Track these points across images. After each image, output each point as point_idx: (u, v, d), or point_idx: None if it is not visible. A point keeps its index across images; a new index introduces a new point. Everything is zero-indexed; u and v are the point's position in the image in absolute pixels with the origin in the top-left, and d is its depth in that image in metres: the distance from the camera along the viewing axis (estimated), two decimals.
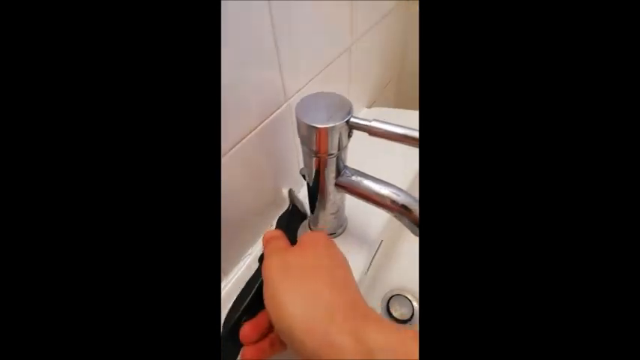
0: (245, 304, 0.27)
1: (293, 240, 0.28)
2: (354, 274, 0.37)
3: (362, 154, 0.39)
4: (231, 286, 0.37)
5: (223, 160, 0.29)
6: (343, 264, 0.25)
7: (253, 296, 0.27)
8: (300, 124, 0.28)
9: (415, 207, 0.31)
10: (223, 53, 0.25)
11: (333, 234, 0.41)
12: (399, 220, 0.32)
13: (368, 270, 0.42)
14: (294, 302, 0.20)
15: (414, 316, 0.47)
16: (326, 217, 0.38)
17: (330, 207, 0.36)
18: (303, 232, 0.34)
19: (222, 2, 0.23)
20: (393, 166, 0.43)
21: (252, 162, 0.34)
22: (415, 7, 0.55)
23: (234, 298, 0.27)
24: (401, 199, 0.31)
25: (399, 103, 0.75)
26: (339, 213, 0.38)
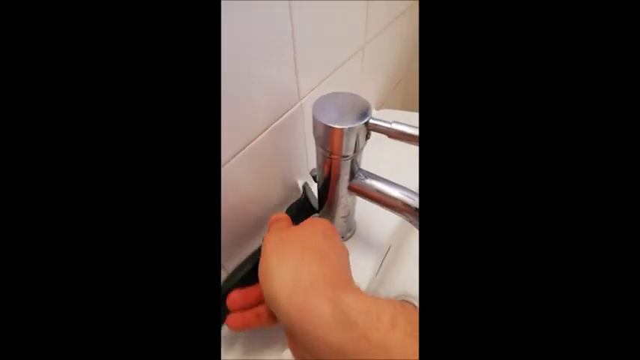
0: (242, 274, 0.28)
1: None
2: (363, 279, 0.37)
3: (376, 156, 0.38)
4: None
5: (234, 160, 0.28)
6: (338, 248, 0.25)
7: (251, 269, 0.27)
8: (316, 125, 0.27)
9: None
10: (242, 50, 0.24)
11: (341, 238, 0.40)
12: (413, 224, 0.31)
13: (377, 273, 0.41)
14: (281, 272, 0.21)
15: None
16: (336, 221, 0.37)
17: (341, 210, 0.35)
18: None
19: (247, 3, 0.22)
20: (407, 168, 0.42)
21: (263, 161, 0.33)
22: None
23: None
24: (415, 202, 0.31)
25: (407, 105, 0.74)
26: (349, 217, 0.37)
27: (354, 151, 0.29)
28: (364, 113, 0.27)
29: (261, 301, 0.27)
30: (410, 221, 0.32)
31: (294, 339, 0.22)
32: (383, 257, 0.42)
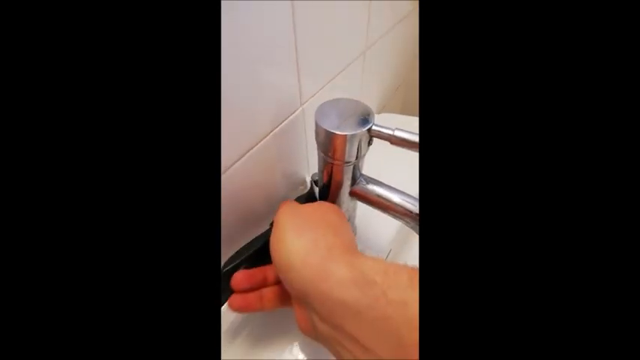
0: (248, 253, 0.27)
1: None
2: None
3: (377, 161, 0.38)
4: None
5: (238, 164, 0.28)
6: (349, 227, 0.26)
7: (258, 250, 0.26)
8: (319, 131, 0.28)
9: None
10: (246, 54, 0.24)
11: None
12: (414, 229, 0.31)
13: None
14: (296, 239, 0.21)
15: None
16: None
17: None
18: None
19: (250, 5, 0.22)
20: (407, 174, 0.43)
21: (266, 165, 0.33)
22: None
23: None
24: (416, 208, 0.31)
25: (407, 109, 0.75)
26: (349, 222, 0.37)
27: (357, 157, 0.29)
28: (366, 120, 0.27)
29: (264, 284, 0.27)
30: (411, 227, 0.32)
31: (306, 305, 0.21)
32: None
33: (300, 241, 0.21)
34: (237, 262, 0.27)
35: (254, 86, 0.26)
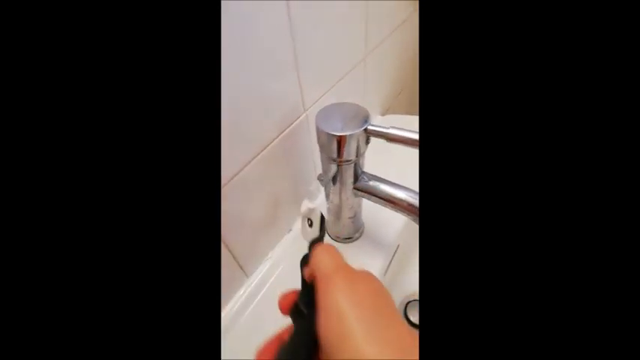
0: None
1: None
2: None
3: (381, 161, 0.40)
4: (252, 288, 0.38)
5: (244, 171, 0.31)
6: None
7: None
8: (319, 133, 0.30)
9: None
10: (247, 65, 0.27)
11: (349, 238, 0.42)
12: (416, 222, 0.33)
13: (386, 273, 0.43)
14: (367, 346, 0.17)
15: None
16: (344, 221, 0.39)
17: (347, 211, 0.37)
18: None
19: (248, 21, 0.25)
20: (411, 171, 0.44)
21: (273, 170, 0.35)
22: None
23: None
24: (417, 202, 0.33)
25: (412, 110, 0.76)
26: (356, 217, 0.39)
27: (357, 156, 0.31)
28: (363, 120, 0.30)
29: None
30: (414, 220, 0.34)
31: None
32: (391, 257, 0.44)
33: (372, 349, 0.17)
34: None
35: (257, 96, 0.29)
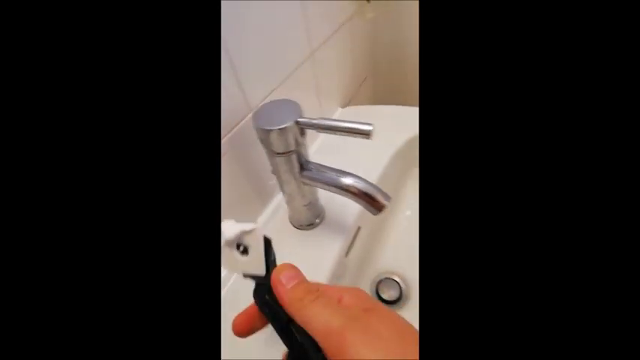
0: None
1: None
2: (334, 260, 0.42)
3: (338, 152, 0.43)
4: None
5: None
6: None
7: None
8: (257, 130, 0.33)
9: (373, 192, 0.35)
10: None
11: (311, 224, 0.45)
12: (360, 204, 0.36)
13: (347, 254, 0.46)
14: None
15: (402, 297, 0.51)
16: (300, 210, 0.42)
17: (300, 200, 0.40)
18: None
19: None
20: (366, 159, 0.48)
21: (226, 169, 0.38)
22: (371, 13, 0.59)
23: None
24: (361, 186, 0.35)
25: (378, 100, 0.79)
26: (312, 205, 0.42)
27: (296, 146, 0.34)
28: (296, 114, 0.32)
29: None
30: (361, 204, 0.36)
31: None
32: (352, 238, 0.47)
33: None
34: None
35: None
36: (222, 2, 0.30)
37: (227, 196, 0.38)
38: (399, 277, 0.53)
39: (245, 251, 0.19)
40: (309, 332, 0.17)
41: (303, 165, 0.37)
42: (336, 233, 0.44)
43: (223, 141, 0.36)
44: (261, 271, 0.19)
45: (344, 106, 0.64)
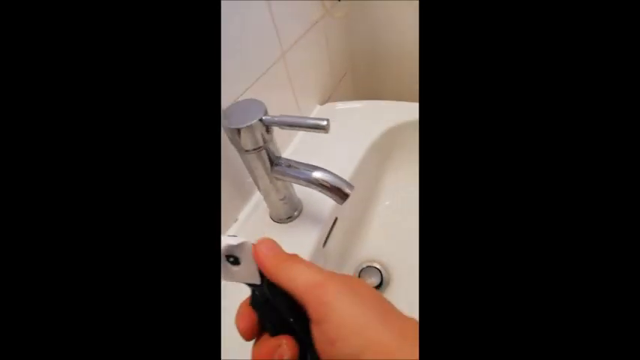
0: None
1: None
2: (309, 249, 0.44)
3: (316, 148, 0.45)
4: None
5: None
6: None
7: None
8: (225, 130, 0.35)
9: (341, 184, 0.37)
10: None
11: (289, 217, 0.47)
12: (327, 195, 0.38)
13: (325, 244, 0.48)
14: (393, 336, 0.16)
15: (382, 283, 0.53)
16: (277, 204, 0.44)
17: (275, 194, 0.42)
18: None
19: None
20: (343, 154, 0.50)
21: None
22: (340, 13, 0.61)
23: None
24: (328, 179, 0.37)
25: (359, 95, 0.81)
26: (287, 199, 0.44)
27: (263, 143, 0.36)
28: (261, 112, 0.34)
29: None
30: (330, 197, 0.38)
31: None
32: (329, 229, 0.49)
33: (404, 349, 0.16)
34: None
35: None
36: None
37: None
38: (380, 264, 0.55)
39: (236, 262, 0.20)
40: (291, 290, 0.18)
41: (274, 161, 0.39)
42: (313, 225, 0.47)
43: None
44: (256, 279, 0.20)
45: (322, 103, 0.66)
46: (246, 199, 0.50)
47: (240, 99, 0.43)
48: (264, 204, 0.47)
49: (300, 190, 0.46)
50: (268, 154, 0.38)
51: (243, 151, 0.37)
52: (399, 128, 0.58)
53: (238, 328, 0.21)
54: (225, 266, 0.20)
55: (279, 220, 0.48)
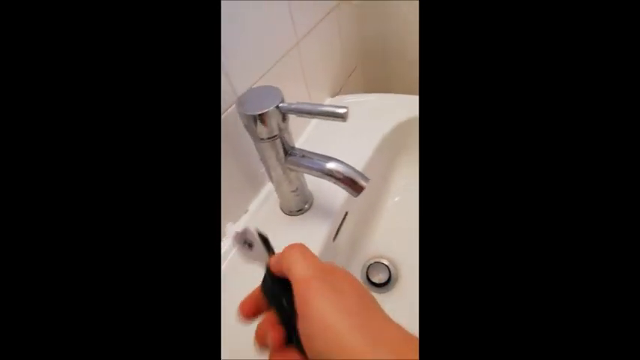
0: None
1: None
2: (322, 245, 0.43)
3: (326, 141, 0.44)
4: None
5: None
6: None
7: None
8: (241, 117, 0.34)
9: (356, 177, 0.36)
10: None
11: (300, 210, 0.46)
12: (341, 187, 0.37)
13: (335, 238, 0.47)
14: (363, 341, 0.16)
15: (390, 280, 0.52)
16: (288, 196, 0.43)
17: (287, 186, 0.41)
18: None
19: None
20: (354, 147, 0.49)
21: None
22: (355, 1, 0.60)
23: None
24: (343, 170, 0.36)
25: (368, 89, 0.80)
26: (299, 190, 0.43)
27: (279, 131, 0.35)
28: (278, 99, 0.33)
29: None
30: (344, 188, 0.37)
31: None
32: (339, 223, 0.48)
33: (373, 354, 0.16)
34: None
35: None
36: None
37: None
38: (388, 260, 0.54)
39: (249, 246, 0.25)
40: (288, 278, 0.20)
41: (288, 150, 0.38)
42: (323, 218, 0.46)
43: None
44: (265, 261, 0.24)
45: (333, 95, 0.65)
46: (257, 190, 0.49)
47: (255, 86, 0.42)
48: (274, 196, 0.47)
49: (311, 183, 0.46)
50: (283, 144, 0.37)
51: (258, 140, 0.36)
52: (410, 123, 0.57)
53: (241, 306, 0.23)
54: (241, 250, 0.25)
55: (289, 213, 0.47)
